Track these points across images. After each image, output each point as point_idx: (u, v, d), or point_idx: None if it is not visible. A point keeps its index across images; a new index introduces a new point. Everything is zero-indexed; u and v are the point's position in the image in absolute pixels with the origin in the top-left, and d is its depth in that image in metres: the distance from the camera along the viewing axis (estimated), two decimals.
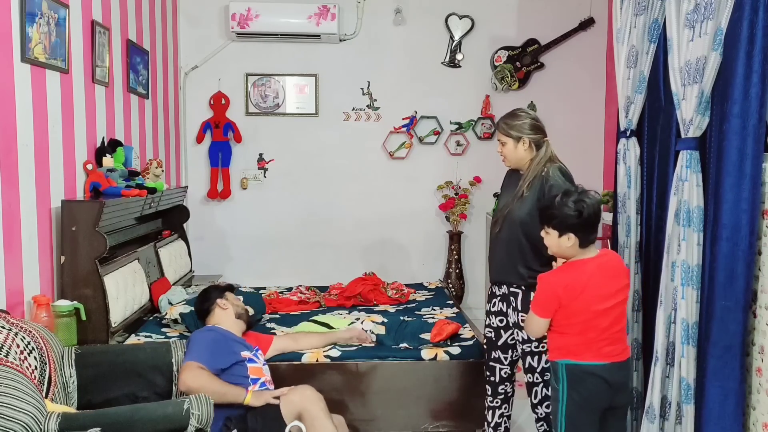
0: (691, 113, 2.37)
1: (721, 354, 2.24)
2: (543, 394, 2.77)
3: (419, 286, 4.56)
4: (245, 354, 2.80)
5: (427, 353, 3.14)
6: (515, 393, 3.00)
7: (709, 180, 2.35)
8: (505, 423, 2.96)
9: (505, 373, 2.90)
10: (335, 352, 3.16)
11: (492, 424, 2.96)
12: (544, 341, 2.66)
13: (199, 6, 5.28)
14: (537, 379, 2.78)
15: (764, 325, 2.18)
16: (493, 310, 2.90)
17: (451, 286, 5.27)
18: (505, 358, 2.89)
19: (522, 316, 2.72)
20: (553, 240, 2.34)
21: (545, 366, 2.72)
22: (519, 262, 2.72)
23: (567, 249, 2.32)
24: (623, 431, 2.51)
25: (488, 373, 2.94)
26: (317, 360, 3.12)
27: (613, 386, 2.31)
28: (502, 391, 2.93)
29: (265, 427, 2.55)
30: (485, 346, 2.98)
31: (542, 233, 2.39)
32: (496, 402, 2.94)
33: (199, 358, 2.61)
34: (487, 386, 2.95)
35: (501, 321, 2.87)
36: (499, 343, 2.89)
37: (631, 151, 2.95)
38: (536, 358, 2.76)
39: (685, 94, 2.40)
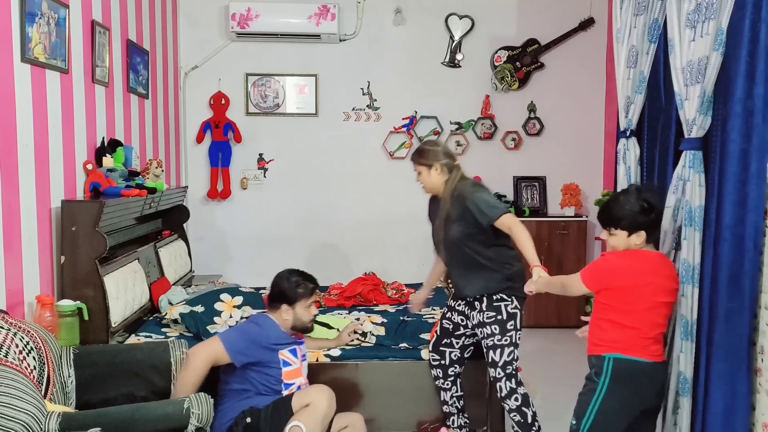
0: (693, 113, 2.37)
1: (725, 356, 2.22)
2: (509, 388, 2.84)
3: (419, 286, 4.54)
4: (284, 355, 2.77)
5: (427, 353, 3.15)
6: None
7: (711, 180, 2.35)
8: (458, 402, 3.09)
9: (455, 356, 3.06)
10: (335, 352, 3.16)
11: (450, 402, 3.08)
12: (507, 334, 2.80)
13: (199, 6, 5.28)
14: (500, 373, 2.84)
15: (764, 325, 2.17)
16: (456, 308, 3.06)
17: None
18: (457, 343, 3.06)
19: (488, 314, 2.84)
20: (620, 240, 2.33)
21: (507, 359, 2.82)
22: (478, 272, 2.89)
23: (635, 246, 2.33)
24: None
25: (437, 357, 3.07)
26: (317, 360, 3.12)
27: (656, 388, 2.32)
28: (452, 372, 3.07)
29: (275, 416, 2.61)
30: (437, 333, 3.10)
31: (603, 236, 2.39)
32: (447, 384, 3.07)
33: (230, 344, 2.66)
34: (438, 370, 3.07)
35: (462, 320, 3.03)
36: (456, 333, 3.06)
37: (631, 151, 2.96)
38: (498, 351, 2.83)
39: (688, 95, 2.40)
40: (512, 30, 5.42)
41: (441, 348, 3.06)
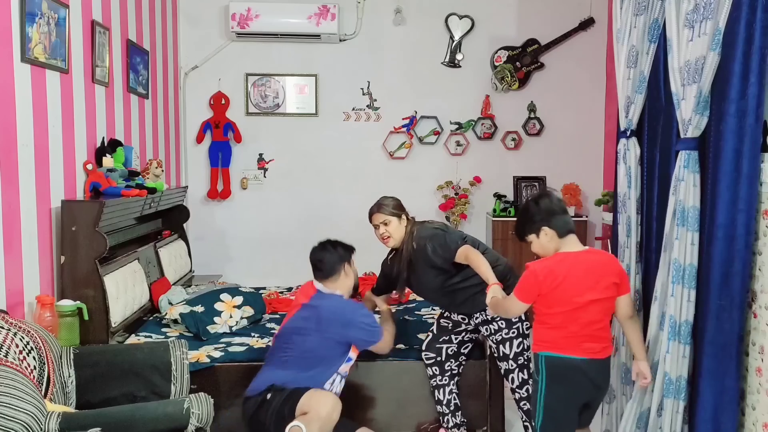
0: (690, 113, 2.37)
1: (716, 353, 2.25)
2: (521, 379, 2.87)
3: None
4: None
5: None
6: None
7: (707, 180, 2.35)
8: (455, 399, 3.07)
9: (452, 351, 3.06)
10: None
11: (444, 402, 3.06)
12: (514, 327, 2.85)
13: (199, 6, 5.28)
14: (512, 365, 2.88)
15: (764, 325, 2.18)
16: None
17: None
18: (456, 339, 3.07)
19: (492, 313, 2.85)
20: (537, 244, 2.43)
21: (517, 350, 2.85)
22: (469, 296, 2.93)
23: (549, 244, 2.40)
24: (590, 418, 2.55)
25: (433, 355, 3.07)
26: None
27: (593, 382, 2.37)
28: (448, 368, 3.06)
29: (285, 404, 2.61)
30: (433, 332, 3.12)
31: (532, 248, 2.48)
32: (444, 380, 3.06)
33: (380, 334, 2.85)
34: (434, 368, 3.06)
35: (463, 319, 3.06)
36: (456, 330, 3.07)
37: (631, 151, 2.95)
38: (507, 344, 2.87)
39: (685, 94, 2.40)
40: (512, 30, 5.42)
41: (437, 345, 3.07)
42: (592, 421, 2.57)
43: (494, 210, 5.28)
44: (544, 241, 2.40)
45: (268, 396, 2.65)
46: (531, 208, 2.43)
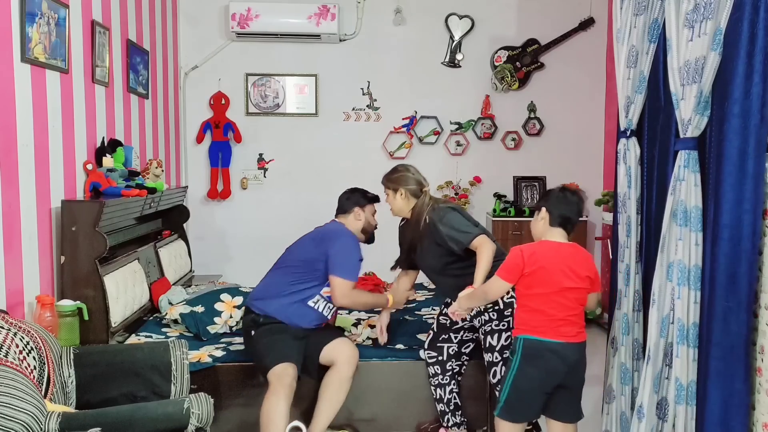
0: (689, 113, 2.37)
1: (723, 355, 2.22)
2: (502, 374, 2.84)
3: (419, 287, 4.54)
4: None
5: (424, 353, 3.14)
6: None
7: (708, 180, 2.35)
8: (455, 399, 3.07)
9: (453, 350, 3.07)
10: None
11: (445, 401, 3.05)
12: (505, 320, 2.85)
13: (199, 6, 5.28)
14: (496, 358, 2.88)
15: (764, 325, 2.17)
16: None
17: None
18: (455, 338, 3.07)
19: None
20: (534, 221, 2.62)
21: (504, 344, 2.85)
22: (459, 285, 2.89)
23: (539, 224, 2.55)
24: (575, 411, 2.57)
25: (435, 354, 3.07)
26: None
27: (566, 364, 2.44)
28: (450, 368, 3.05)
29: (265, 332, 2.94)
30: (433, 331, 3.11)
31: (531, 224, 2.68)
32: (446, 379, 3.06)
33: (352, 275, 2.97)
34: (435, 367, 3.06)
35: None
36: (454, 327, 3.07)
37: (631, 151, 2.95)
38: (495, 336, 2.87)
39: (684, 94, 2.40)
40: (512, 30, 5.42)
41: (438, 344, 3.06)
42: (578, 418, 2.57)
43: (494, 210, 5.28)
44: (536, 220, 2.57)
45: (253, 333, 2.97)
46: (552, 191, 2.60)
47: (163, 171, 4.15)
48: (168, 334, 3.40)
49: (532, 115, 5.50)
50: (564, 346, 2.44)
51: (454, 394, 3.07)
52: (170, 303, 3.64)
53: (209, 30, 5.30)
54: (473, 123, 5.49)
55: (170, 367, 2.62)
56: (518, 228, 5.14)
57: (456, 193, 5.41)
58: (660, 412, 2.55)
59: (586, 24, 5.38)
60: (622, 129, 3.02)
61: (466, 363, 3.12)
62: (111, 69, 3.77)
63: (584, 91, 5.47)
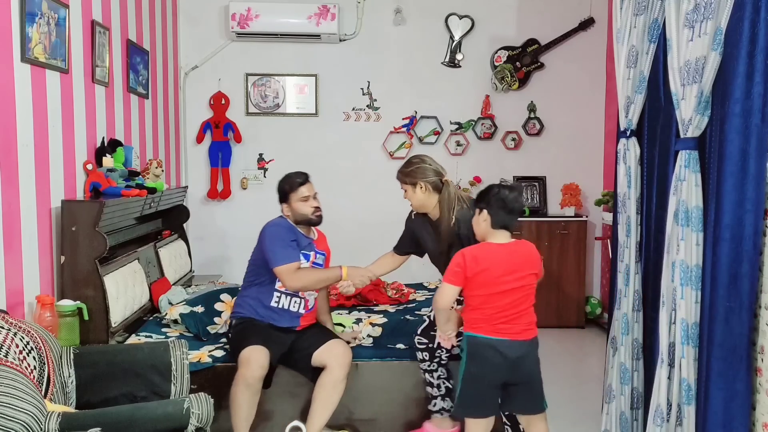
0: (690, 113, 2.37)
1: (725, 356, 2.22)
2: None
3: (419, 286, 4.56)
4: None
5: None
6: None
7: (709, 180, 2.34)
8: (445, 383, 3.08)
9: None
10: None
11: (435, 384, 3.06)
12: None
13: (199, 6, 5.28)
14: None
15: (764, 325, 2.17)
16: None
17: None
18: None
19: None
20: (475, 221, 2.63)
21: None
22: None
23: (481, 226, 2.58)
24: (535, 404, 2.61)
25: (426, 341, 3.06)
26: None
27: (507, 360, 2.49)
28: (438, 356, 3.05)
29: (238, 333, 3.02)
30: (429, 320, 3.10)
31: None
32: (433, 366, 3.06)
33: (288, 258, 2.96)
34: (424, 353, 3.06)
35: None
36: None
37: (631, 151, 2.95)
38: None
39: (685, 94, 2.40)
40: (512, 30, 5.42)
41: (431, 333, 3.03)
42: (539, 409, 2.60)
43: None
44: (478, 220, 2.59)
45: (230, 335, 3.11)
46: (490, 191, 2.58)
47: (163, 171, 4.15)
48: (168, 334, 3.40)
49: (532, 115, 5.50)
50: (503, 343, 2.49)
51: (443, 380, 3.06)
52: (170, 303, 3.64)
53: (209, 30, 5.30)
54: (473, 123, 5.49)
55: (170, 367, 2.62)
56: (518, 228, 5.13)
57: None
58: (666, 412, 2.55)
59: (586, 24, 5.38)
60: (622, 129, 3.02)
61: (453, 354, 3.09)
62: (111, 69, 3.77)
63: (584, 91, 5.47)
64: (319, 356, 2.96)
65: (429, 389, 3.09)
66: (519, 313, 2.52)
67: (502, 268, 2.49)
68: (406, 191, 3.02)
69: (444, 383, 3.07)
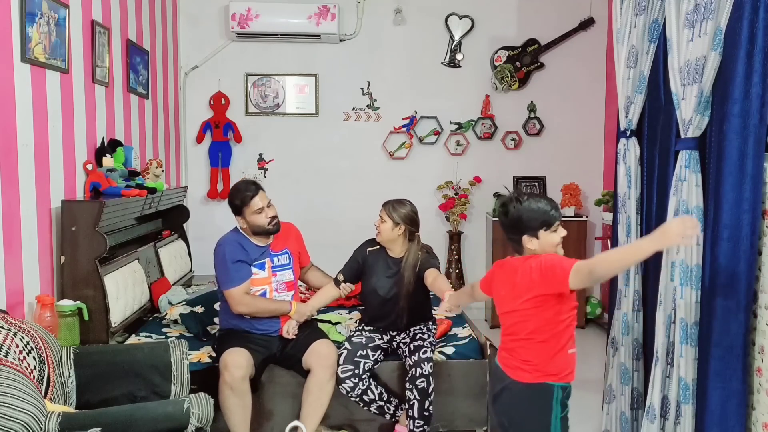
0: (690, 113, 2.37)
1: (722, 355, 2.23)
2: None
3: None
4: (254, 264, 3.07)
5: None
6: None
7: (708, 180, 2.35)
8: (379, 388, 3.06)
9: (368, 366, 3.05)
10: None
11: (378, 395, 3.04)
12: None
13: (199, 6, 5.28)
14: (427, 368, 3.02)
15: (764, 325, 2.18)
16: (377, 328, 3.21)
17: (451, 285, 5.26)
18: (372, 356, 3.07)
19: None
20: (542, 240, 2.22)
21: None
22: (420, 311, 3.22)
23: (548, 241, 2.22)
24: None
25: (351, 367, 3.01)
26: None
27: (493, 391, 2.32)
28: (366, 376, 3.03)
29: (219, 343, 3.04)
30: (348, 349, 3.05)
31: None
32: (364, 384, 3.01)
33: (233, 282, 2.98)
34: (353, 379, 3.00)
35: (389, 333, 3.20)
36: (371, 345, 3.09)
37: (631, 151, 2.95)
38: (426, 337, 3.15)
39: (685, 94, 2.40)
40: (512, 30, 5.42)
41: (356, 359, 3.00)
42: None
43: (494, 210, 5.28)
44: (544, 240, 2.21)
45: (215, 346, 3.12)
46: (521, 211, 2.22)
47: (163, 171, 4.15)
48: (168, 334, 3.40)
49: (532, 115, 5.50)
50: (497, 369, 2.25)
51: (374, 384, 3.03)
52: (170, 303, 3.64)
53: (209, 30, 5.30)
54: (473, 123, 5.49)
55: (170, 367, 2.62)
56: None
57: (456, 193, 5.41)
58: (662, 410, 2.56)
59: (586, 24, 5.38)
60: (622, 129, 3.02)
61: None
62: (111, 69, 3.77)
63: (584, 91, 5.47)
64: (305, 358, 2.98)
65: (376, 406, 3.02)
66: (517, 342, 2.18)
67: (505, 286, 2.29)
68: (383, 221, 3.11)
69: (378, 387, 3.04)
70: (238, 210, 3.09)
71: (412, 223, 3.13)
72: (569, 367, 2.16)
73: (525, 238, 2.19)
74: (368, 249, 3.22)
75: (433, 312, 3.34)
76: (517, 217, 2.20)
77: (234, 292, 2.99)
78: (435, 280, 3.01)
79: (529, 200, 2.21)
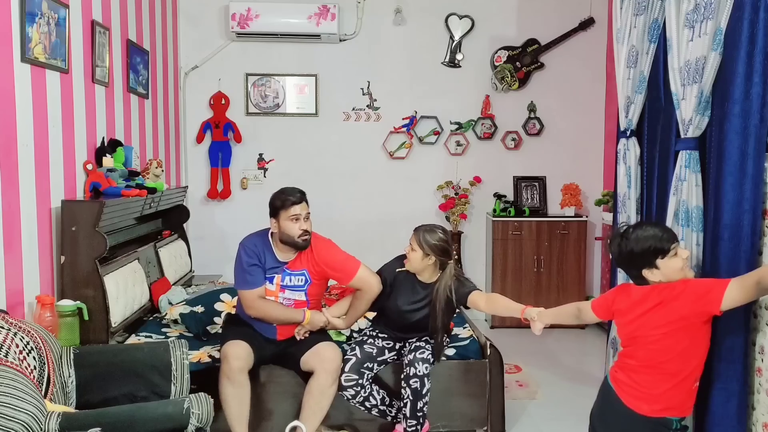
0: (690, 113, 2.37)
1: (723, 356, 2.23)
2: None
3: None
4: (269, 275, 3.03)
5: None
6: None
7: (708, 180, 2.35)
8: (380, 393, 3.08)
9: (370, 377, 3.05)
10: None
11: (380, 400, 3.05)
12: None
13: (199, 6, 5.28)
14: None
15: (764, 325, 2.18)
16: (381, 336, 3.16)
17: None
18: (377, 368, 3.08)
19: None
20: (667, 267, 2.10)
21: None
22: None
23: (676, 265, 2.12)
24: None
25: (355, 376, 2.99)
26: None
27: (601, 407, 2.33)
28: (368, 386, 3.04)
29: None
30: (357, 357, 3.03)
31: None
32: (365, 391, 3.01)
33: (248, 285, 2.96)
34: (356, 388, 3.00)
35: (388, 344, 3.14)
36: (378, 359, 3.08)
37: (631, 151, 2.96)
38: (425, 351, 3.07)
39: (685, 94, 2.40)
40: (512, 30, 5.42)
41: (362, 370, 2.99)
42: None
43: (494, 210, 5.28)
44: (669, 266, 2.10)
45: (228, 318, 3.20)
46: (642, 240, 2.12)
47: (163, 171, 4.15)
48: (168, 334, 3.40)
49: (532, 115, 5.50)
50: (609, 390, 2.25)
51: (376, 389, 3.04)
52: (170, 303, 3.64)
53: (209, 30, 5.30)
54: (473, 123, 5.49)
55: (170, 367, 2.62)
56: (518, 228, 5.14)
57: (456, 193, 5.41)
58: None
59: (586, 24, 5.38)
60: (622, 129, 3.02)
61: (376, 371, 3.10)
62: (111, 69, 3.77)
63: (584, 91, 5.47)
64: (306, 361, 2.95)
65: (377, 410, 3.03)
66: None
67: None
68: (413, 250, 2.98)
69: (380, 391, 3.05)
70: (275, 211, 3.02)
71: (443, 253, 2.97)
72: (690, 401, 2.14)
73: (645, 272, 2.10)
74: (398, 269, 3.11)
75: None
76: (627, 252, 2.12)
77: (246, 294, 2.98)
78: (490, 301, 2.94)
79: (636, 231, 2.13)
